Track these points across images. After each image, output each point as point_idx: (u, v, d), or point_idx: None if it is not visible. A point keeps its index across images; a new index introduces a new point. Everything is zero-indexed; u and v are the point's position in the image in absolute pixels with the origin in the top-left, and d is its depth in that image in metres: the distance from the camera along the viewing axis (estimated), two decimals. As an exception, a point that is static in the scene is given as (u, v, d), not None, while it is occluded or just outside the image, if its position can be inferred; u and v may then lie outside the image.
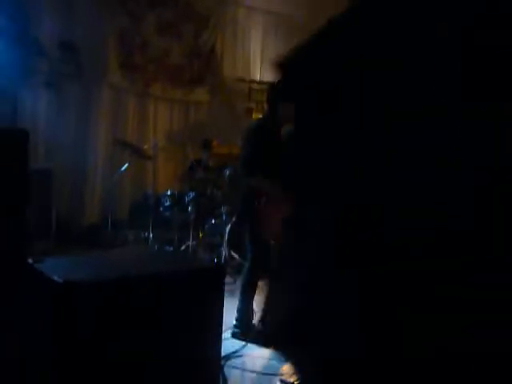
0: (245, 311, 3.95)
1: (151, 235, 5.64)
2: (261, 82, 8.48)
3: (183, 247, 5.58)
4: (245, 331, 3.86)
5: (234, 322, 3.93)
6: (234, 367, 3.41)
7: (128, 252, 2.52)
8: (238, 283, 5.41)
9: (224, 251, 5.56)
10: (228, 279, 5.45)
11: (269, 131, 3.72)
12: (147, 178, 6.69)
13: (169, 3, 7.34)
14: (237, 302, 4.76)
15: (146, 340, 1.87)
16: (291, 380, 3.04)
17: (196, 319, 2.02)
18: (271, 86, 4.04)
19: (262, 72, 8.65)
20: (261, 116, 3.76)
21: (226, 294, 4.91)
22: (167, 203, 5.76)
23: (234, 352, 3.62)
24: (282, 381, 3.09)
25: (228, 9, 8.09)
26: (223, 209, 5.65)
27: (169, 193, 5.86)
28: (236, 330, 3.89)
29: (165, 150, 7.14)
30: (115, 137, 6.64)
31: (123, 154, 6.22)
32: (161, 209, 5.83)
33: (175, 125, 7.61)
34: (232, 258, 5.63)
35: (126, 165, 5.90)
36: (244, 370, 3.40)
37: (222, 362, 3.34)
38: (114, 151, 6.74)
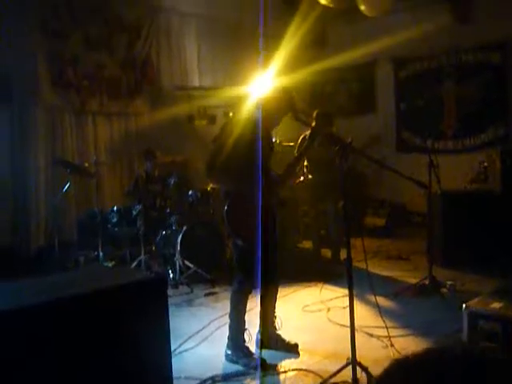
0: (234, 329, 3.55)
1: (101, 254, 5.48)
2: (200, 88, 8.42)
3: (135, 262, 5.45)
4: (236, 353, 3.51)
5: (227, 341, 3.60)
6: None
7: (68, 274, 2.41)
8: (196, 292, 5.35)
9: (178, 261, 5.46)
10: (185, 289, 5.38)
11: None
12: (92, 195, 6.50)
13: (96, 17, 7.17)
14: (196, 312, 4.71)
15: (83, 363, 1.79)
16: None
17: (135, 335, 1.93)
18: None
19: (200, 77, 8.60)
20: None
21: (183, 304, 4.93)
22: (114, 219, 5.63)
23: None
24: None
25: (159, 17, 7.99)
26: (172, 219, 5.55)
27: (115, 209, 5.72)
28: (228, 351, 3.56)
29: (108, 166, 6.98)
30: (54, 157, 6.44)
31: (65, 174, 6.02)
32: (109, 226, 5.68)
33: (116, 139, 7.44)
34: (187, 267, 5.54)
35: (68, 184, 5.71)
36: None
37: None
38: (54, 172, 6.53)
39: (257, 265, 3.40)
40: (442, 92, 8.48)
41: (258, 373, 3.31)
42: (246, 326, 3.59)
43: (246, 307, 3.56)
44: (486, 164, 6.77)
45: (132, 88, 7.61)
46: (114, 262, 5.28)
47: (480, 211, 5.85)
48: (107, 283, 1.96)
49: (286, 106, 3.49)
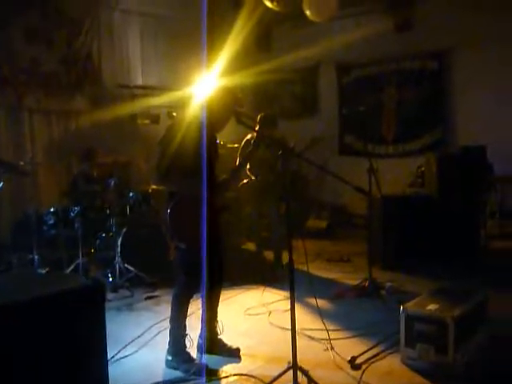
0: (175, 334, 3.46)
1: (36, 257, 5.26)
2: (143, 87, 8.28)
3: (72, 266, 5.26)
4: (177, 358, 3.41)
5: (167, 347, 3.50)
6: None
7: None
8: (137, 295, 5.23)
9: (118, 265, 5.32)
10: (125, 293, 5.25)
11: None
12: (28, 195, 6.23)
13: (36, 9, 6.90)
14: (137, 317, 4.59)
15: (13, 375, 1.69)
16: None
17: (68, 345, 1.85)
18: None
19: (143, 76, 8.45)
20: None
21: (123, 309, 4.82)
22: (51, 221, 5.41)
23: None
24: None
25: (102, 13, 7.79)
26: (112, 220, 5.40)
27: (52, 210, 5.50)
28: (168, 356, 3.46)
29: (45, 165, 6.72)
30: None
31: (-2, 173, 5.73)
32: (45, 227, 5.46)
33: (55, 137, 7.18)
34: (127, 270, 5.41)
35: (1, 184, 5.45)
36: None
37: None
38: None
39: (201, 268, 3.36)
40: (383, 98, 8.71)
41: (202, 379, 3.27)
42: (187, 331, 3.53)
43: (187, 311, 3.50)
44: (423, 169, 7.00)
45: (72, 85, 7.37)
46: (47, 268, 5.05)
47: (418, 215, 6.04)
48: (39, 292, 1.86)
49: (230, 106, 3.47)
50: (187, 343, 3.49)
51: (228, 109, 3.46)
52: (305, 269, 4.01)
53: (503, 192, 6.19)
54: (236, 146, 6.58)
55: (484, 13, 7.27)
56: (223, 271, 3.75)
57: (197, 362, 3.43)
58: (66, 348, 1.90)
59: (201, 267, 3.35)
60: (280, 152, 2.81)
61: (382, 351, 3.60)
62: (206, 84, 6.90)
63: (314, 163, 3.10)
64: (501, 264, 5.85)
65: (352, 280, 5.54)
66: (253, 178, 5.94)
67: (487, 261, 5.96)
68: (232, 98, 3.52)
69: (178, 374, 3.37)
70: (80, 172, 6.19)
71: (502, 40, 7.19)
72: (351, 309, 4.69)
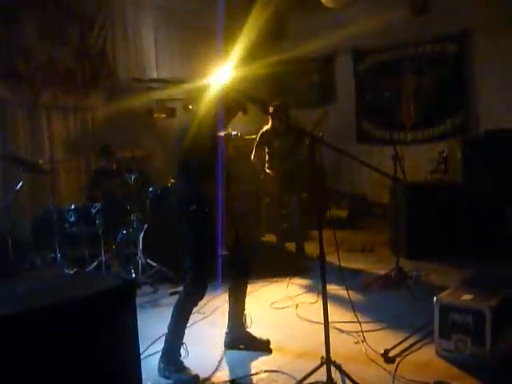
0: (171, 342, 3.30)
1: (58, 255, 5.24)
2: (158, 80, 8.21)
3: (95, 263, 5.23)
4: (169, 368, 3.23)
5: (160, 354, 3.33)
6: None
7: (24, 281, 2.24)
8: (161, 292, 5.18)
9: (140, 260, 5.28)
10: (148, 289, 5.20)
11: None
12: (47, 193, 6.21)
13: (48, 5, 6.85)
14: (162, 313, 4.51)
15: (49, 376, 1.64)
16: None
17: (104, 345, 1.79)
18: None
19: (157, 69, 8.38)
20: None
21: (147, 305, 4.76)
22: (72, 218, 5.38)
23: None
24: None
25: (114, 7, 7.72)
26: (133, 216, 5.34)
27: (72, 207, 5.46)
28: (160, 364, 3.28)
29: (64, 162, 6.70)
30: (4, 153, 6.13)
31: (16, 172, 5.72)
32: (66, 225, 5.43)
33: (72, 134, 7.14)
34: (150, 266, 5.36)
35: (21, 183, 5.43)
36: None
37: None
38: (6, 169, 6.21)
39: (207, 272, 3.27)
40: (401, 83, 8.53)
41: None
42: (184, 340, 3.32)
43: (188, 320, 3.31)
44: (445, 154, 6.85)
45: (87, 81, 7.32)
46: (75, 268, 5.00)
47: (444, 202, 5.91)
48: (72, 295, 1.81)
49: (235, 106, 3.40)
50: (182, 352, 3.31)
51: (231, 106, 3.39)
52: (329, 259, 3.92)
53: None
54: (254, 136, 6.49)
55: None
56: (249, 266, 3.67)
57: (189, 371, 3.22)
58: (100, 348, 1.84)
59: (208, 269, 3.26)
60: (308, 142, 2.71)
61: (415, 343, 3.51)
62: (220, 75, 6.83)
63: (345, 152, 3.02)
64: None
65: (377, 270, 5.45)
66: (271, 173, 5.85)
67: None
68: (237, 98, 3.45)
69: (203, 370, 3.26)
70: (99, 168, 6.17)
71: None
72: (379, 299, 4.61)
